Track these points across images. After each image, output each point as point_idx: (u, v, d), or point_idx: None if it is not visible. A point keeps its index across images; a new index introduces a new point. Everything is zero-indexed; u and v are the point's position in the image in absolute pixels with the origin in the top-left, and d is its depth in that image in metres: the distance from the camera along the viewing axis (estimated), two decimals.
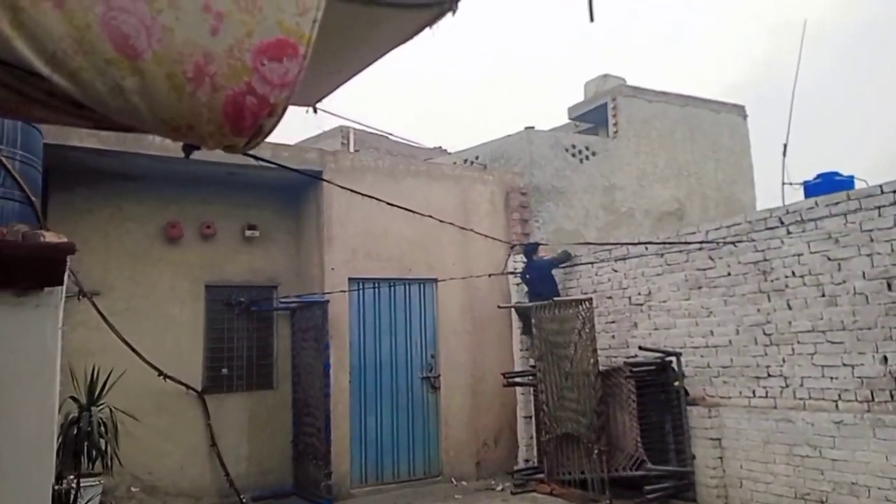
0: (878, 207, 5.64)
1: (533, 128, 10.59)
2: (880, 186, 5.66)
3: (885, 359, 5.53)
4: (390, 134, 10.05)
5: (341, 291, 8.07)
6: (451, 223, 6.39)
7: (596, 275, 8.60)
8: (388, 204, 5.46)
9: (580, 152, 10.66)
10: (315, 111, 5.06)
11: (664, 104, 11.89)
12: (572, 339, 7.71)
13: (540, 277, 8.81)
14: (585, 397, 7.47)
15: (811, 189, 7.40)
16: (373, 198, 5.31)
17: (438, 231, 8.77)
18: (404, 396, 8.64)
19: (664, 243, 7.59)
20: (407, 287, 8.82)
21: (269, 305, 8.62)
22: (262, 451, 8.33)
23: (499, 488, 8.18)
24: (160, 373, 7.52)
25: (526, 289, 9.12)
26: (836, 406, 5.86)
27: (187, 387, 7.86)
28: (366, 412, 8.37)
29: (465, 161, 11.02)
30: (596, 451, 7.27)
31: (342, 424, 8.03)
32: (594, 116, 12.19)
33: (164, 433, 7.73)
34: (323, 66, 3.39)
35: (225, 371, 8.34)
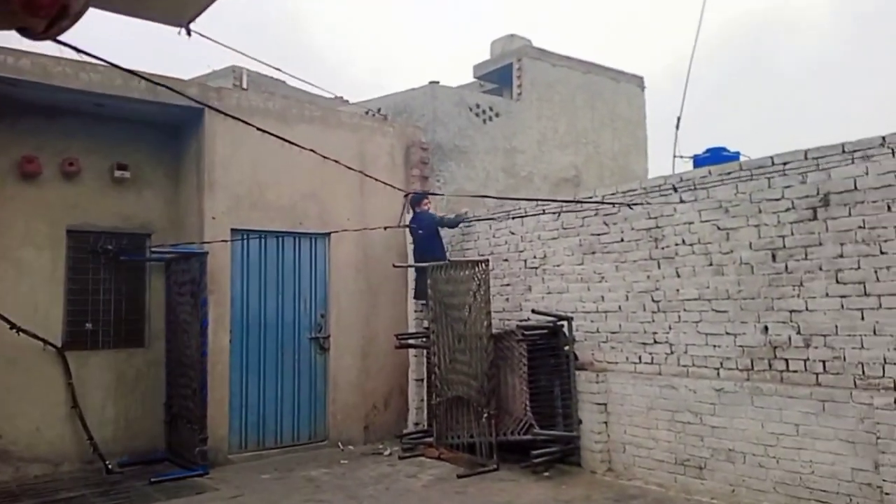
0: (768, 178, 5.72)
1: (438, 83, 10.24)
2: (771, 158, 5.73)
3: (766, 329, 5.68)
4: (290, 75, 9.27)
5: (222, 242, 7.45)
6: (340, 165, 5.92)
7: (493, 236, 8.44)
8: (281, 140, 4.94)
9: (484, 112, 10.46)
10: (189, 33, 4.38)
11: (567, 69, 11.86)
12: (467, 301, 7.54)
13: (427, 236, 8.50)
14: (477, 360, 7.35)
15: (699, 162, 7.55)
16: (265, 131, 4.74)
17: (334, 183, 8.34)
18: (290, 357, 8.19)
19: (560, 201, 7.50)
20: (297, 241, 8.31)
21: (140, 255, 7.88)
22: (130, 414, 7.70)
23: (386, 452, 7.98)
24: (12, 325, 6.78)
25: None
26: (718, 374, 6.00)
27: (45, 342, 7.10)
28: (248, 373, 7.88)
29: (367, 112, 10.51)
30: (485, 415, 7.18)
31: (221, 386, 7.51)
32: (499, 76, 12.01)
33: (17, 392, 6.99)
34: None
35: (89, 326, 7.58)
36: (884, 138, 5.02)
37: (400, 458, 7.69)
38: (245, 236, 7.87)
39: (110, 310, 7.72)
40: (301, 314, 8.31)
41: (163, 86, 5.12)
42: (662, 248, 6.56)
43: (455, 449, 7.59)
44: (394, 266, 8.68)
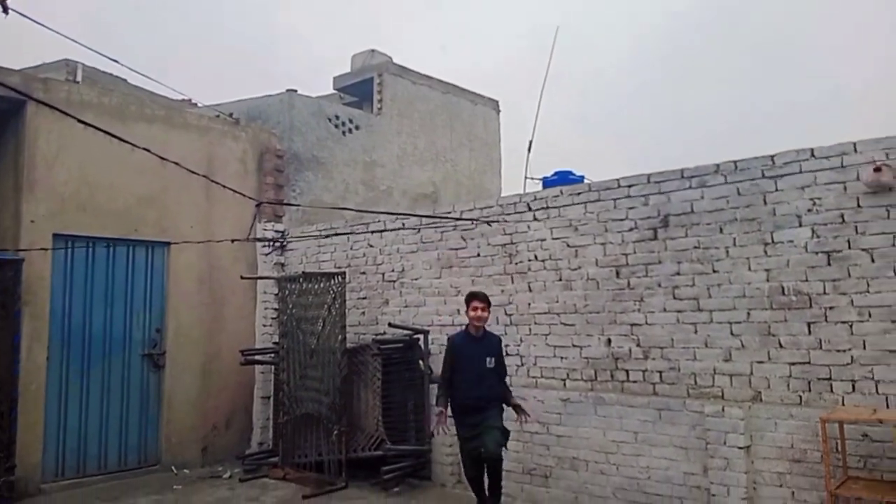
0: (614, 200, 6.02)
1: (295, 91, 9.91)
2: (617, 180, 6.03)
3: (609, 341, 5.93)
4: (130, 68, 8.51)
5: (42, 249, 6.65)
6: (184, 169, 5.50)
7: (351, 248, 8.23)
8: (112, 136, 4.45)
9: (343, 124, 10.28)
10: (6, 11, 3.93)
11: (427, 88, 12.00)
12: (321, 314, 7.27)
13: None
14: (329, 376, 7.08)
15: (547, 183, 7.80)
16: (90, 125, 4.25)
17: (177, 188, 7.76)
18: (119, 376, 7.45)
19: (421, 216, 7.45)
20: (131, 249, 7.61)
21: None
22: None
23: (226, 475, 7.46)
24: None
25: (275, 260, 8.36)
26: (564, 384, 6.18)
27: None
28: (68, 394, 7.06)
29: (218, 115, 9.95)
30: (336, 432, 6.92)
31: (35, 408, 6.67)
32: (360, 90, 11.88)
33: None
34: None
35: None
36: (718, 166, 5.44)
37: (241, 480, 7.22)
38: (70, 243, 7.08)
39: None
40: (133, 329, 7.61)
41: None
42: (516, 264, 6.69)
43: (302, 469, 7.24)
44: (242, 278, 8.22)
